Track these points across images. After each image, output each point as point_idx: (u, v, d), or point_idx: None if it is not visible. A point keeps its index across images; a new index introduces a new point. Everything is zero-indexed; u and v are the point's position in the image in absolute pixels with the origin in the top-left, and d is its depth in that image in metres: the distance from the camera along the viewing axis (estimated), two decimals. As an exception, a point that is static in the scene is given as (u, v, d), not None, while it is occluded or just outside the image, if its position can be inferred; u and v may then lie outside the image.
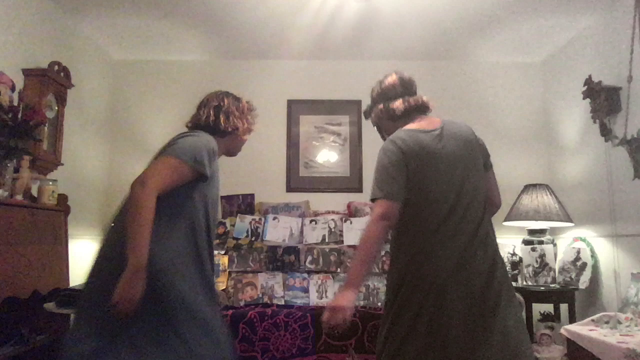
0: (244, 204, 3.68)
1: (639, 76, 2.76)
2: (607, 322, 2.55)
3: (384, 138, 1.89)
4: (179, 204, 1.60)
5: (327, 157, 3.96)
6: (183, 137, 1.67)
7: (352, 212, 3.66)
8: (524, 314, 2.94)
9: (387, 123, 1.87)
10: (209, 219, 1.69)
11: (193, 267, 1.59)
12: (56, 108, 2.93)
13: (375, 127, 1.98)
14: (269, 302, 3.09)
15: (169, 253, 1.53)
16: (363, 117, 2.06)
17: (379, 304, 3.13)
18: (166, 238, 1.54)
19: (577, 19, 3.28)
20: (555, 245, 3.36)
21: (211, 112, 1.80)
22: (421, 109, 1.85)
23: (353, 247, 3.41)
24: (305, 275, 3.26)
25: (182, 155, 1.58)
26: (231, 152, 1.93)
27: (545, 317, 3.26)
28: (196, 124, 1.81)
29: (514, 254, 3.47)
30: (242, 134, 1.88)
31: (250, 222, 3.45)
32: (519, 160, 3.84)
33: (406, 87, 1.86)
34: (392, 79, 1.88)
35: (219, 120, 1.79)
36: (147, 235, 1.44)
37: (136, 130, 3.92)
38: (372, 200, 1.66)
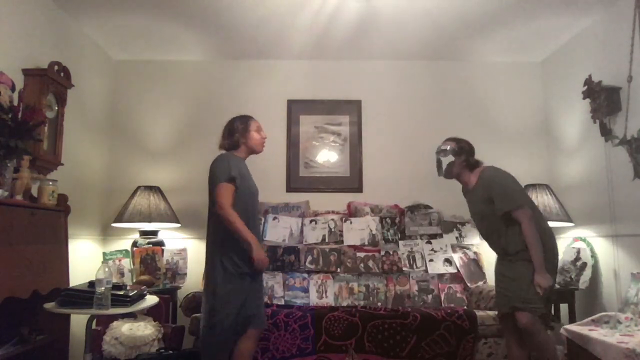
0: (244, 204, 3.68)
1: (639, 76, 2.76)
2: (607, 322, 2.55)
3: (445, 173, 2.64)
4: (238, 201, 2.42)
5: (327, 157, 3.96)
6: (215, 167, 2.45)
7: (352, 212, 3.66)
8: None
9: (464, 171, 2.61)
10: (252, 199, 2.53)
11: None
12: (56, 108, 2.93)
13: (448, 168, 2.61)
14: (269, 302, 3.10)
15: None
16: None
17: (379, 304, 3.13)
18: None
19: (577, 19, 3.28)
20: (555, 245, 3.36)
21: (227, 137, 2.58)
22: None
23: (353, 247, 3.41)
24: (305, 275, 3.26)
25: (222, 178, 2.37)
26: (253, 152, 2.60)
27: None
28: (224, 147, 2.57)
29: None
30: (249, 139, 2.55)
31: (250, 222, 3.46)
32: (519, 160, 3.83)
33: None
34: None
35: (232, 140, 2.54)
36: (244, 227, 2.30)
37: (136, 130, 3.92)
38: (516, 208, 2.38)
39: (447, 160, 2.60)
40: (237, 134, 2.55)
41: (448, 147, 2.60)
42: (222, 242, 2.35)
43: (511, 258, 2.44)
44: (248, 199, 2.47)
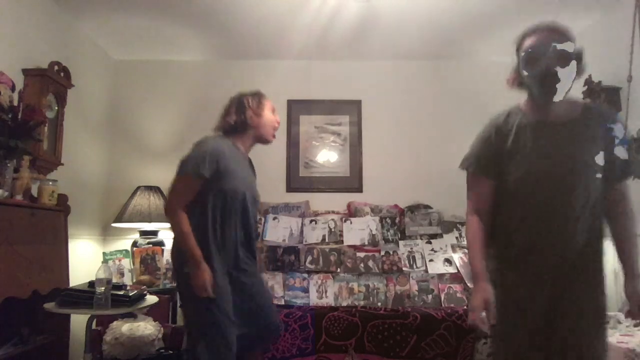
0: (244, 204, 3.68)
1: (639, 76, 2.76)
2: (607, 322, 2.54)
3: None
4: (199, 204, 1.95)
5: (327, 157, 3.96)
6: (190, 153, 1.97)
7: (352, 212, 3.65)
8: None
9: None
10: (236, 204, 2.00)
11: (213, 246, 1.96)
12: (56, 108, 2.93)
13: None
14: (269, 302, 3.10)
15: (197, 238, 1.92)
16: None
17: (379, 304, 3.13)
18: (194, 229, 1.92)
19: (577, 19, 3.28)
20: (555, 245, 3.36)
21: (232, 115, 2.11)
22: None
23: (353, 247, 3.41)
24: (305, 275, 3.26)
25: (188, 169, 1.92)
26: (261, 139, 2.20)
27: (545, 317, 3.26)
28: (223, 129, 2.12)
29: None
30: (262, 121, 2.14)
31: (250, 222, 3.45)
32: (519, 160, 3.83)
33: None
34: None
35: (240, 119, 2.09)
36: (193, 240, 1.87)
37: (136, 130, 3.92)
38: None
39: (570, 71, 1.47)
40: (249, 111, 2.07)
41: (573, 49, 1.47)
42: None
43: (582, 266, 1.56)
44: (229, 202, 1.96)
